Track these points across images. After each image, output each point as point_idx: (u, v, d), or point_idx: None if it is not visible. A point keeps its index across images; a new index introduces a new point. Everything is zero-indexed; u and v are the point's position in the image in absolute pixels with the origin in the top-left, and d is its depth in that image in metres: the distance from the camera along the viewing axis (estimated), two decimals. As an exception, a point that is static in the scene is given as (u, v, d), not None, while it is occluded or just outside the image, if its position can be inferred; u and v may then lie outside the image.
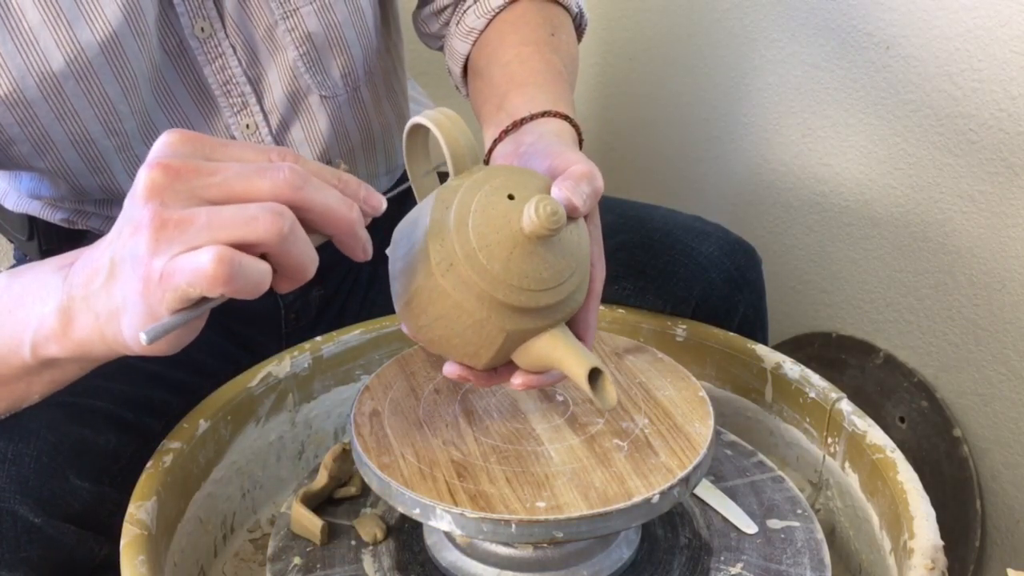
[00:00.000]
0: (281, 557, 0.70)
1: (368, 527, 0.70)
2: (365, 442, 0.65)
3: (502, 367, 0.64)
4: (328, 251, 1.01)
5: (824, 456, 0.79)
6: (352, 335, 0.86)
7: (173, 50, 0.82)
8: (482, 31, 0.91)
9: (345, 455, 0.74)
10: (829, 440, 0.78)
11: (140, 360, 0.84)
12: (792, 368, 0.80)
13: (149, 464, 0.70)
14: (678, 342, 0.86)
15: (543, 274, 0.59)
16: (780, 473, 0.78)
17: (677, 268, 0.90)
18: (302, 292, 0.99)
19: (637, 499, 0.60)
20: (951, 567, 0.68)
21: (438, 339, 0.61)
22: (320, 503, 0.74)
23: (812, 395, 0.79)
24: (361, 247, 0.56)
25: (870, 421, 0.75)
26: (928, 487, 0.68)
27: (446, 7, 0.96)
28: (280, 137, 0.90)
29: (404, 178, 1.06)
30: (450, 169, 0.62)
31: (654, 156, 1.54)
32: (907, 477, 0.69)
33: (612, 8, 1.54)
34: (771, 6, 1.30)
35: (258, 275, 0.50)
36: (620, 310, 0.89)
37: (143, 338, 0.50)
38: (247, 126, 0.87)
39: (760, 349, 0.83)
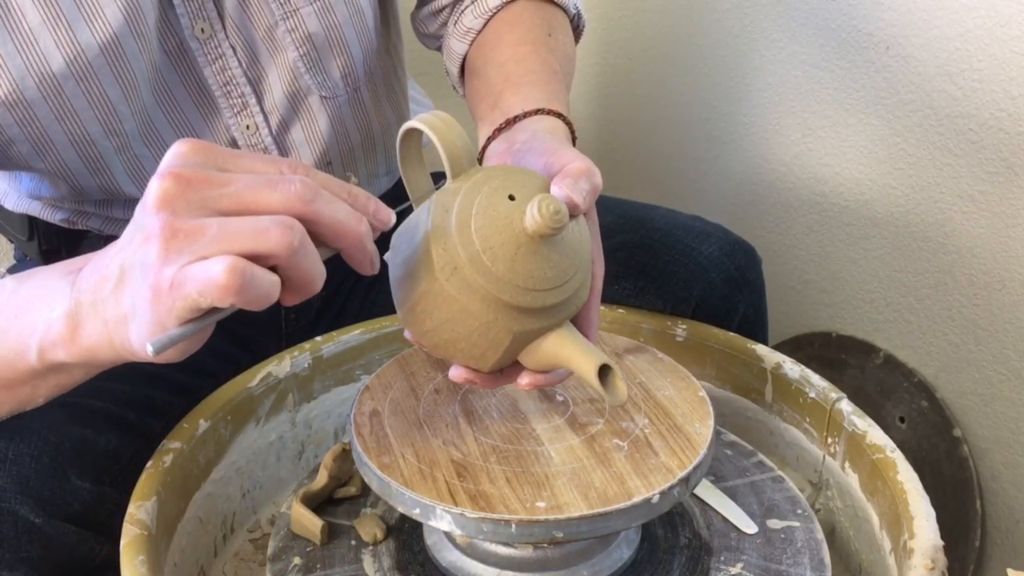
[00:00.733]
0: (281, 557, 0.70)
1: (368, 527, 0.70)
2: (365, 442, 0.65)
3: (508, 368, 0.64)
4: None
5: (824, 456, 0.79)
6: (352, 335, 0.86)
7: (173, 51, 0.82)
8: (479, 31, 0.91)
9: (345, 455, 0.74)
10: (829, 440, 0.78)
11: (141, 360, 0.84)
12: (792, 368, 0.80)
13: (149, 464, 0.70)
14: (678, 342, 0.86)
15: (547, 273, 0.59)
16: (780, 473, 0.78)
17: (677, 268, 0.90)
18: (302, 292, 0.98)
19: (637, 499, 0.60)
20: (951, 567, 0.68)
21: (443, 343, 0.61)
22: (320, 503, 0.74)
23: (812, 395, 0.79)
24: (369, 261, 0.56)
25: (870, 421, 0.75)
26: (928, 487, 0.68)
27: (444, 7, 0.96)
28: (280, 138, 0.90)
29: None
30: (447, 172, 0.62)
31: (654, 156, 1.54)
32: (907, 477, 0.69)
33: (612, 8, 1.54)
34: (771, 6, 1.30)
35: (268, 286, 0.51)
36: (620, 310, 0.89)
37: (150, 349, 0.51)
38: (247, 127, 0.87)
39: (760, 349, 0.83)
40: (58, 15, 0.74)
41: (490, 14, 0.91)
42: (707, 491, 0.74)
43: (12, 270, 1.02)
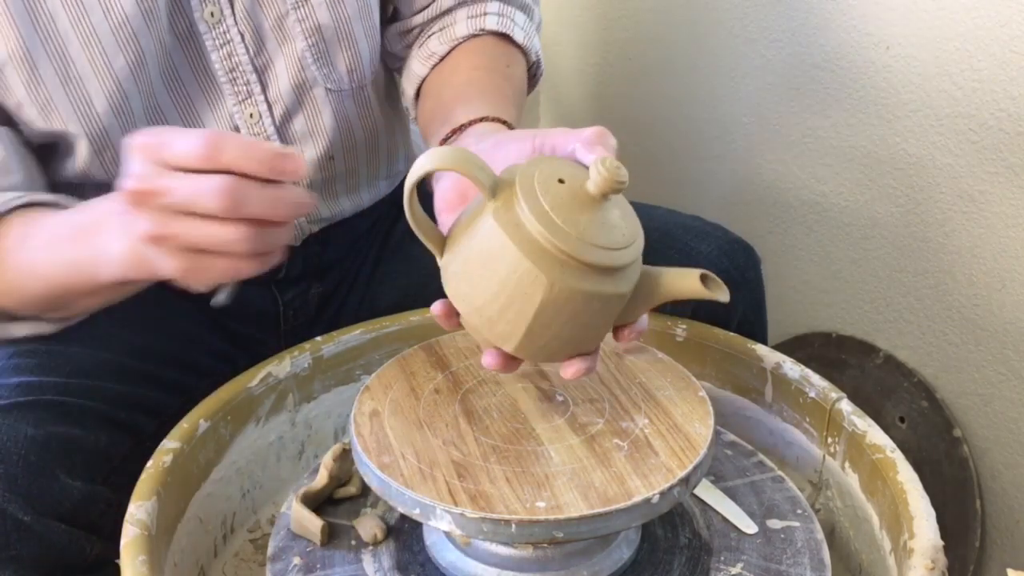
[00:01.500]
0: (281, 557, 0.70)
1: (368, 527, 0.70)
2: (365, 442, 0.65)
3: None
4: (328, 249, 1.02)
5: (824, 456, 0.79)
6: (352, 335, 0.86)
7: (183, 33, 0.83)
8: (443, 57, 0.93)
9: (345, 455, 0.74)
10: (829, 440, 0.78)
11: (135, 360, 0.84)
12: (792, 368, 0.80)
13: (149, 464, 0.70)
14: (678, 342, 0.86)
15: (623, 231, 0.61)
16: (780, 473, 0.78)
17: (676, 267, 0.90)
18: (301, 290, 0.99)
19: (637, 499, 0.60)
20: (951, 567, 0.68)
21: (564, 344, 0.62)
22: (320, 503, 0.74)
23: (812, 395, 0.79)
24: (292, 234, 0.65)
25: (870, 421, 0.75)
26: (928, 487, 0.68)
27: (412, 29, 0.97)
28: (283, 129, 0.90)
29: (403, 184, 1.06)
30: (484, 194, 0.61)
31: (653, 156, 1.54)
32: (907, 477, 0.69)
33: (612, 8, 1.54)
34: (771, 6, 1.30)
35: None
36: (620, 310, 0.89)
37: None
38: (251, 115, 0.88)
39: (760, 349, 0.83)
40: None
41: (456, 43, 0.93)
42: (707, 491, 0.74)
43: None
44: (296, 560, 0.69)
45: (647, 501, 0.61)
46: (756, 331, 0.95)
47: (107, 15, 0.78)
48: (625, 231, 0.61)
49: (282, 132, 0.90)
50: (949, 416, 1.25)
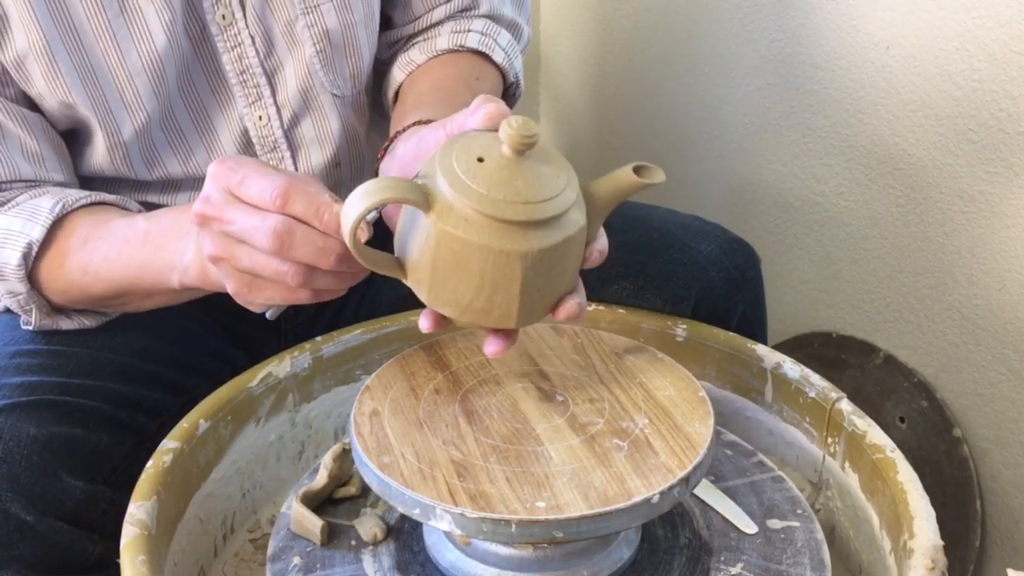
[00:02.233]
0: (281, 557, 0.70)
1: (368, 527, 0.70)
2: (365, 442, 0.65)
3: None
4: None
5: (824, 456, 0.79)
6: (352, 335, 0.86)
7: (196, 35, 0.84)
8: (420, 65, 0.95)
9: (345, 455, 0.74)
10: (829, 440, 0.78)
11: (136, 360, 0.85)
12: (792, 368, 0.80)
13: (149, 464, 0.70)
14: (678, 342, 0.86)
15: (543, 185, 0.61)
16: (780, 473, 0.78)
17: (676, 267, 0.90)
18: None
19: (637, 499, 0.60)
20: (951, 567, 0.68)
21: (554, 293, 0.64)
22: (320, 503, 0.74)
23: (812, 395, 0.78)
24: (338, 286, 0.68)
25: (870, 421, 0.75)
26: (928, 487, 0.68)
27: (399, 40, 0.99)
28: (291, 132, 0.91)
29: None
30: (421, 209, 0.62)
31: (653, 156, 1.53)
32: (907, 477, 0.69)
33: (612, 8, 1.54)
34: (771, 6, 1.30)
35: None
36: (620, 310, 0.89)
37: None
38: (260, 117, 0.89)
39: (760, 349, 0.83)
40: None
41: (435, 54, 0.95)
42: (707, 491, 0.74)
43: None
44: (296, 560, 0.69)
45: (647, 501, 0.61)
46: (756, 331, 0.95)
47: (123, 10, 0.80)
48: (559, 171, 0.63)
49: (290, 136, 0.91)
50: (949, 416, 1.25)
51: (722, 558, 0.69)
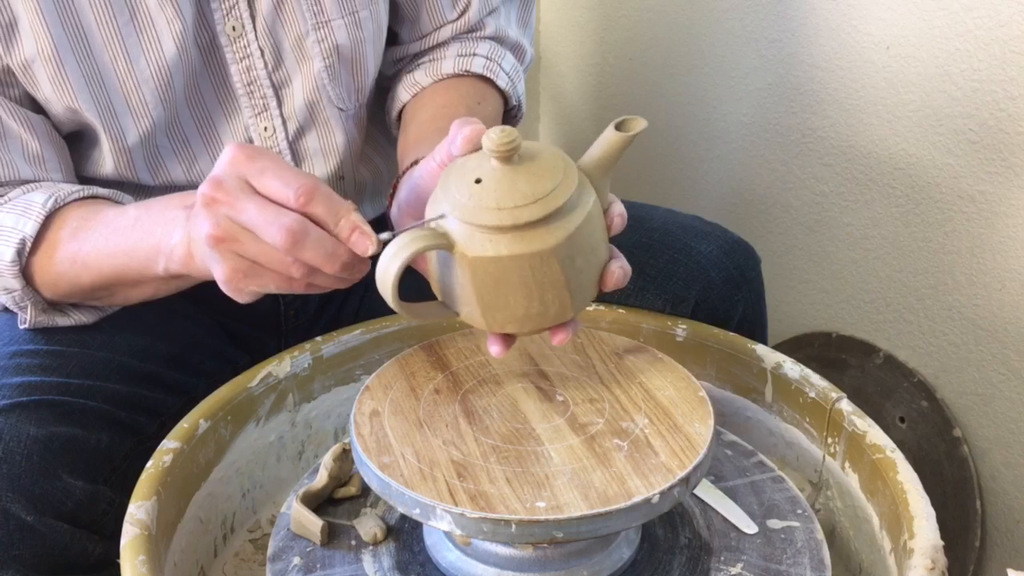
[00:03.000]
0: (281, 557, 0.70)
1: (368, 527, 0.70)
2: (365, 442, 0.65)
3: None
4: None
5: (824, 456, 0.79)
6: (352, 335, 0.86)
7: (205, 45, 0.85)
8: (425, 88, 0.96)
9: (345, 455, 0.74)
10: (829, 440, 0.78)
11: (136, 360, 0.85)
12: (792, 368, 0.80)
13: (149, 464, 0.70)
14: (678, 342, 0.86)
15: (535, 186, 0.62)
16: (780, 473, 0.78)
17: (676, 267, 0.90)
18: (302, 291, 0.99)
19: (637, 499, 0.60)
20: (951, 567, 0.68)
21: (597, 269, 0.65)
22: (320, 503, 0.74)
23: (812, 395, 0.78)
24: (348, 282, 0.67)
25: (870, 421, 0.75)
26: (928, 487, 0.68)
27: (404, 58, 0.99)
28: (295, 144, 0.91)
29: None
30: (446, 249, 0.63)
31: (654, 156, 1.53)
32: (907, 477, 0.69)
33: (612, 8, 1.54)
34: (771, 6, 1.30)
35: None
36: (620, 310, 0.89)
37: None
38: (265, 128, 0.89)
39: (760, 349, 0.83)
40: None
41: (440, 77, 0.96)
42: (707, 491, 0.74)
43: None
44: (296, 560, 0.69)
45: (647, 501, 0.61)
46: (756, 331, 0.95)
47: (134, 18, 0.80)
48: (552, 159, 0.64)
49: (295, 148, 0.91)
50: (949, 416, 1.25)
51: (722, 558, 0.69)
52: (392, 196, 0.77)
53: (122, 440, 0.79)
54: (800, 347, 1.40)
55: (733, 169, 1.43)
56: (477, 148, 0.65)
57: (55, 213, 0.80)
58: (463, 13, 0.97)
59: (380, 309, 0.91)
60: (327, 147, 0.93)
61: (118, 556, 0.64)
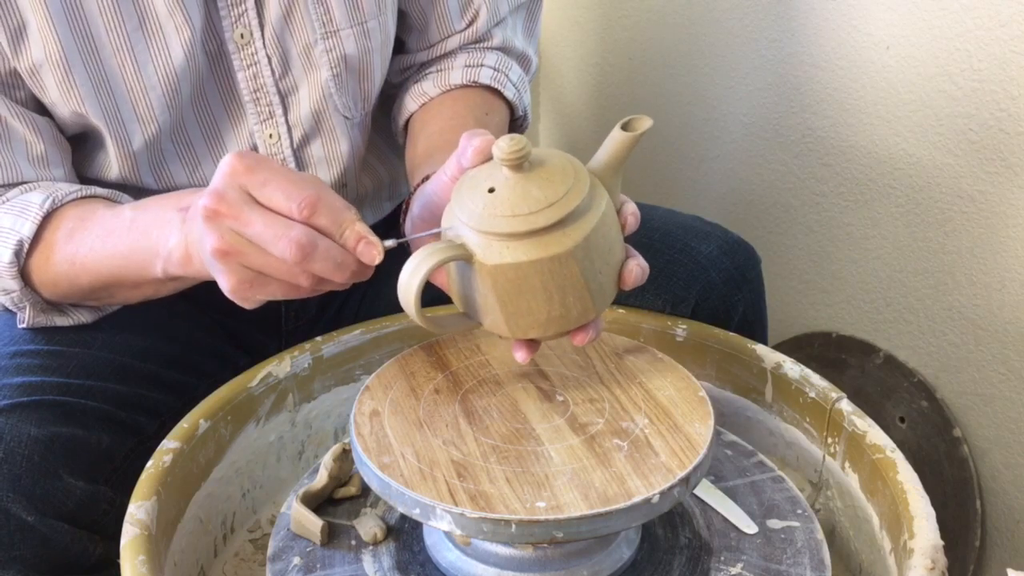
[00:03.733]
0: (281, 557, 0.70)
1: (368, 527, 0.71)
2: (365, 442, 0.66)
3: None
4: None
5: (824, 456, 0.79)
6: (352, 335, 0.86)
7: (213, 52, 0.85)
8: (432, 98, 0.96)
9: (345, 455, 0.74)
10: (829, 440, 0.78)
11: (136, 360, 0.85)
12: (792, 368, 0.80)
13: (149, 464, 0.70)
14: (678, 342, 0.86)
15: (545, 191, 0.62)
16: (780, 473, 0.78)
17: (677, 267, 0.90)
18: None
19: (637, 499, 0.60)
20: (951, 567, 0.68)
21: (616, 268, 0.66)
22: (320, 503, 0.74)
23: (812, 395, 0.79)
24: (351, 284, 0.67)
25: (870, 421, 0.75)
26: (928, 487, 0.68)
27: (411, 66, 1.00)
28: (300, 152, 0.91)
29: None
30: (465, 260, 0.64)
31: (654, 156, 1.53)
32: (907, 477, 0.69)
33: (612, 8, 1.54)
34: (771, 6, 1.30)
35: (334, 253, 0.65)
36: (620, 310, 0.89)
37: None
38: (270, 135, 0.89)
39: (760, 349, 0.83)
40: None
41: (448, 88, 0.96)
42: (707, 491, 0.74)
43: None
44: (296, 560, 0.69)
45: (647, 501, 0.61)
46: (756, 331, 0.95)
47: (142, 24, 0.80)
48: (562, 163, 0.64)
49: (299, 155, 0.91)
50: (949, 416, 1.25)
51: (722, 558, 0.69)
52: (405, 213, 0.78)
53: (123, 440, 0.79)
54: (800, 347, 1.40)
55: (733, 169, 1.43)
56: (487, 159, 0.66)
57: (52, 214, 0.80)
58: (471, 23, 0.97)
59: (380, 309, 0.91)
60: (331, 155, 0.93)
61: (119, 556, 0.64)
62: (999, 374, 1.18)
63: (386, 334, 0.87)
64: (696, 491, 0.73)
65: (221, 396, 0.78)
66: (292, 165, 0.91)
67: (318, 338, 0.85)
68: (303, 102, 0.89)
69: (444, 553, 0.68)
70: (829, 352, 1.37)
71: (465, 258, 0.63)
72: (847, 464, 0.76)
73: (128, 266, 0.76)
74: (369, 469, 0.64)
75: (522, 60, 1.02)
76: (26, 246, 0.79)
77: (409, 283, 0.63)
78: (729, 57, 1.37)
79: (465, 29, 0.97)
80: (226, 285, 0.67)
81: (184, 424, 0.74)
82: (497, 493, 0.61)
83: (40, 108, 0.84)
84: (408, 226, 0.75)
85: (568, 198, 0.62)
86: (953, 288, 1.20)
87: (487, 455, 0.64)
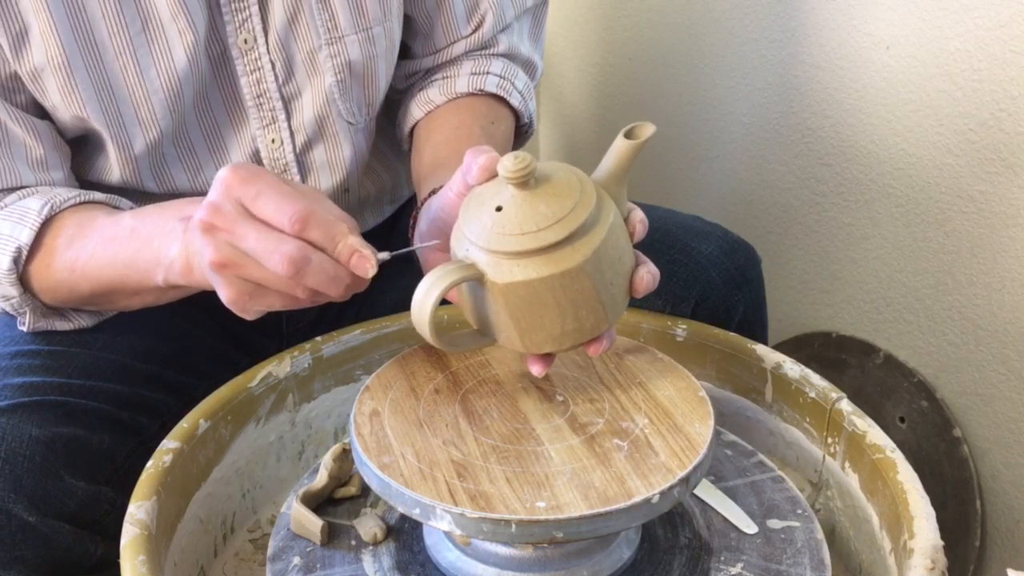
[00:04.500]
0: (281, 557, 0.70)
1: (368, 527, 0.71)
2: (365, 442, 0.66)
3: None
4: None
5: (824, 456, 0.79)
6: (352, 335, 0.86)
7: (216, 57, 0.85)
8: (438, 106, 0.96)
9: (345, 455, 0.74)
10: (829, 440, 0.78)
11: (137, 361, 0.85)
12: (792, 368, 0.80)
13: (149, 464, 0.70)
14: (678, 342, 0.86)
15: (552, 208, 0.62)
16: (780, 473, 0.78)
17: (677, 267, 0.90)
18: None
19: (637, 499, 0.60)
20: (951, 567, 0.68)
21: (627, 278, 0.66)
22: (320, 503, 0.74)
23: (812, 395, 0.79)
24: (347, 297, 0.68)
25: (870, 421, 0.75)
26: (928, 487, 0.68)
27: (417, 72, 1.00)
28: (302, 157, 0.91)
29: (411, 202, 1.08)
30: (476, 279, 0.64)
31: (654, 156, 1.53)
32: (907, 477, 0.69)
33: (612, 8, 1.54)
34: (771, 6, 1.30)
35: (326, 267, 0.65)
36: (620, 310, 0.89)
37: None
38: (272, 140, 0.89)
39: (760, 349, 0.83)
40: None
41: (454, 96, 0.96)
42: (707, 491, 0.74)
43: None
44: (296, 560, 0.69)
45: (647, 501, 0.61)
46: (756, 331, 0.95)
47: (145, 28, 0.80)
48: (568, 177, 0.64)
49: (301, 160, 0.91)
50: (949, 416, 1.25)
51: (722, 558, 0.69)
52: (413, 227, 0.78)
53: (123, 440, 0.79)
54: (800, 347, 1.40)
55: (733, 169, 1.43)
56: (493, 176, 0.66)
57: (51, 220, 0.80)
58: (477, 28, 0.97)
59: (380, 309, 0.91)
60: (334, 160, 0.93)
61: (119, 556, 0.64)
62: (999, 374, 1.18)
63: (386, 334, 0.87)
64: (696, 491, 0.73)
65: (221, 396, 0.78)
66: (295, 170, 0.91)
67: (318, 338, 0.85)
68: (306, 107, 0.89)
69: (444, 553, 0.68)
70: (829, 352, 1.37)
71: (476, 278, 0.63)
72: (847, 464, 0.76)
73: (130, 274, 0.76)
74: (369, 469, 0.64)
75: (527, 66, 1.02)
76: (24, 253, 0.79)
77: (422, 306, 0.63)
78: (729, 57, 1.37)
79: (471, 34, 0.97)
80: (225, 296, 0.68)
81: (184, 424, 0.74)
82: (497, 493, 0.61)
83: (40, 112, 0.84)
84: (416, 241, 0.76)
85: (575, 212, 0.62)
86: (953, 288, 1.20)
87: (487, 455, 0.64)
